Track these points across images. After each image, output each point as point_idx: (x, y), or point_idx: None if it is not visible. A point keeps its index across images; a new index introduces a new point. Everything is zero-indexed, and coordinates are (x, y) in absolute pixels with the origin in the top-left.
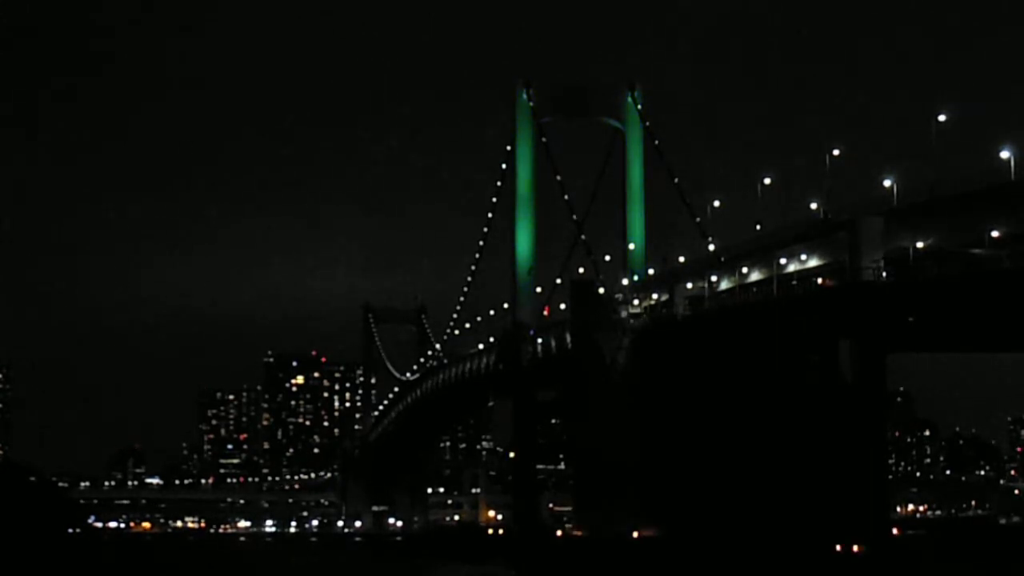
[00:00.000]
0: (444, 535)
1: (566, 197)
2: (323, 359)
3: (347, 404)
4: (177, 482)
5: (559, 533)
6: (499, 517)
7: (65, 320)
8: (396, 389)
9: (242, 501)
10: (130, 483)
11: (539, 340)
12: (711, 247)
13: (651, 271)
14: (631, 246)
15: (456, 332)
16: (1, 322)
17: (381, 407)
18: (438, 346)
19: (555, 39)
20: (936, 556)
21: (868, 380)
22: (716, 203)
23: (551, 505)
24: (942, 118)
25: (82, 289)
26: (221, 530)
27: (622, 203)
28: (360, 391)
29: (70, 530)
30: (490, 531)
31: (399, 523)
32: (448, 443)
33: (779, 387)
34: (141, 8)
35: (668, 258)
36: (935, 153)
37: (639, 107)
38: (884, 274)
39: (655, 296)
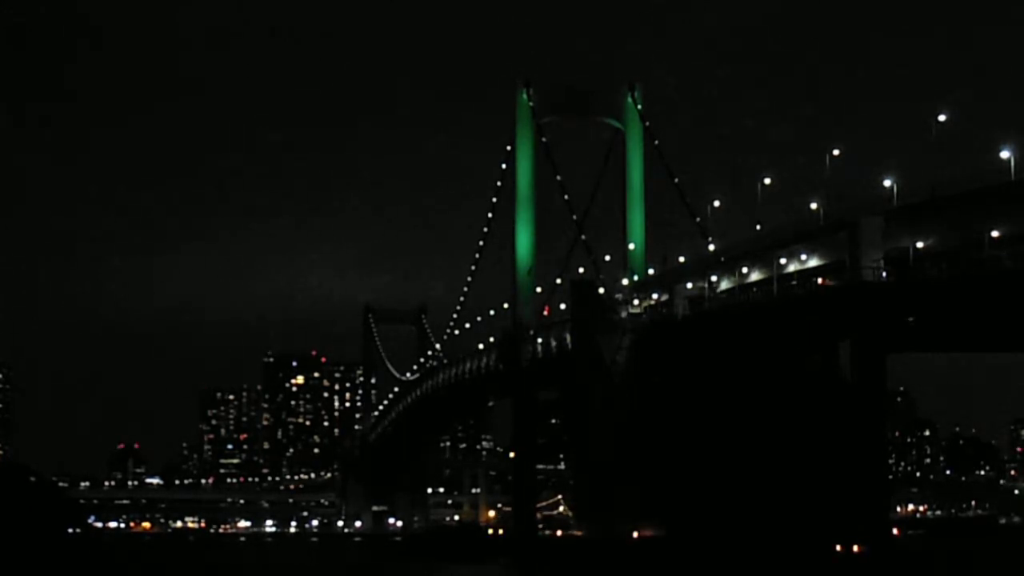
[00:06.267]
0: (444, 535)
1: (566, 197)
2: (323, 359)
3: (347, 404)
4: (177, 482)
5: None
6: (499, 517)
7: (65, 320)
8: (396, 389)
9: (242, 501)
10: (130, 483)
11: (539, 340)
12: (711, 247)
13: (651, 271)
14: (631, 246)
15: (456, 332)
16: (1, 322)
17: (381, 407)
18: (438, 346)
19: (555, 39)
20: (936, 556)
21: (868, 380)
22: (716, 203)
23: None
24: (942, 118)
25: (82, 289)
26: (221, 530)
27: (622, 203)
28: (360, 391)
29: (70, 530)
30: (490, 531)
31: (399, 523)
32: (448, 443)
33: (779, 387)
34: (140, 5)
35: (668, 258)
36: (935, 153)
37: (639, 107)
38: (884, 274)
39: (655, 296)
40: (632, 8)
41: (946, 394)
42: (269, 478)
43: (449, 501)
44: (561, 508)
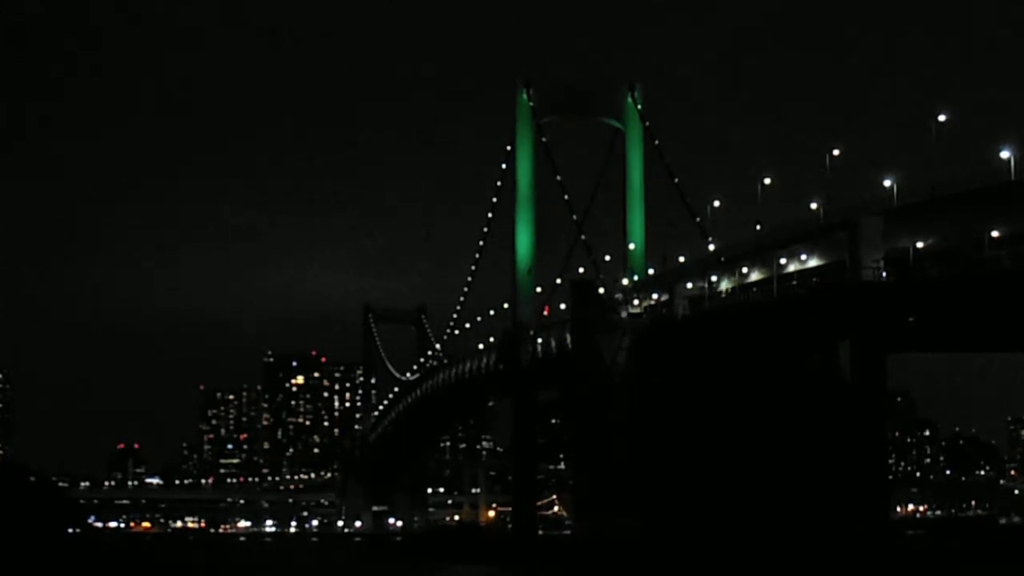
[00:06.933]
0: (444, 535)
1: (566, 197)
2: (323, 359)
3: (347, 404)
4: (177, 482)
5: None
6: (498, 517)
7: (65, 320)
8: (396, 389)
9: (242, 501)
10: (130, 483)
11: (539, 340)
12: (711, 247)
13: (651, 271)
14: (631, 246)
15: (456, 332)
16: (1, 322)
17: (381, 407)
18: (438, 346)
19: (555, 39)
20: (936, 556)
21: (868, 380)
22: (716, 203)
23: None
24: (942, 118)
25: (82, 289)
26: (221, 530)
27: (622, 203)
28: (360, 391)
29: (70, 530)
30: (489, 531)
31: (399, 523)
32: (448, 443)
33: (779, 387)
34: (139, 5)
35: (668, 258)
36: (935, 153)
37: (639, 107)
38: (884, 274)
39: (655, 296)
40: (632, 8)
41: (946, 394)
42: (269, 478)
43: (449, 501)
44: (556, 508)
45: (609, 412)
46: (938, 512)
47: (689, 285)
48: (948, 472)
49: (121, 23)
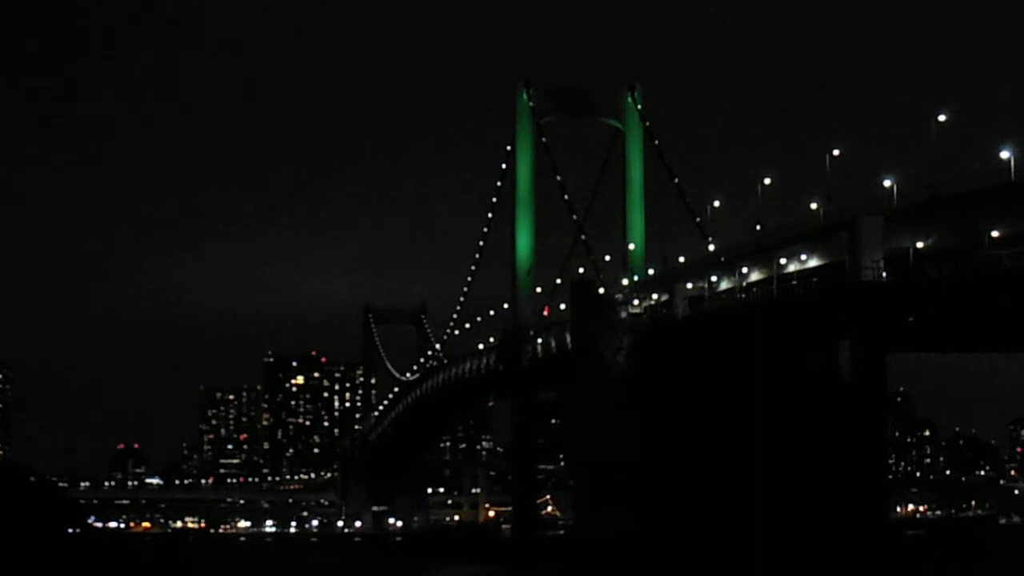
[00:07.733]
0: (444, 535)
1: (566, 197)
2: (323, 359)
3: (347, 404)
4: (177, 482)
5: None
6: (500, 517)
7: (65, 320)
8: (396, 389)
9: (242, 501)
10: (130, 483)
11: (539, 340)
12: (711, 247)
13: (651, 271)
14: (631, 246)
15: (456, 332)
16: (1, 322)
17: (381, 407)
18: (438, 346)
19: (555, 39)
20: (936, 556)
21: (868, 380)
22: (716, 203)
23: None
24: (942, 118)
25: (82, 289)
26: (221, 530)
27: (622, 203)
28: (360, 391)
29: (70, 530)
30: (489, 531)
31: (399, 523)
32: (448, 443)
33: (779, 387)
34: (139, 6)
35: (668, 258)
36: (935, 153)
37: (639, 107)
38: (884, 274)
39: (655, 296)
40: (632, 8)
41: (946, 394)
42: (269, 478)
43: (449, 501)
44: (550, 508)
45: (609, 412)
46: (938, 512)
47: (689, 285)
48: (948, 472)
49: (121, 23)
